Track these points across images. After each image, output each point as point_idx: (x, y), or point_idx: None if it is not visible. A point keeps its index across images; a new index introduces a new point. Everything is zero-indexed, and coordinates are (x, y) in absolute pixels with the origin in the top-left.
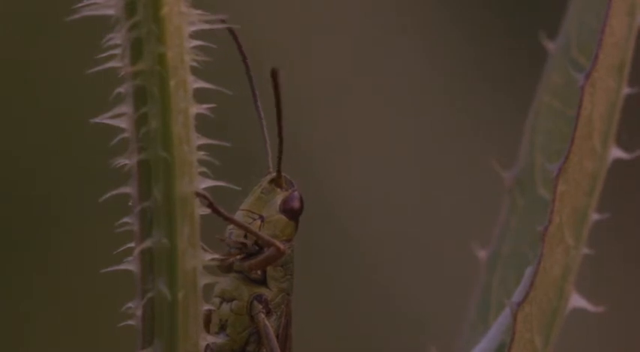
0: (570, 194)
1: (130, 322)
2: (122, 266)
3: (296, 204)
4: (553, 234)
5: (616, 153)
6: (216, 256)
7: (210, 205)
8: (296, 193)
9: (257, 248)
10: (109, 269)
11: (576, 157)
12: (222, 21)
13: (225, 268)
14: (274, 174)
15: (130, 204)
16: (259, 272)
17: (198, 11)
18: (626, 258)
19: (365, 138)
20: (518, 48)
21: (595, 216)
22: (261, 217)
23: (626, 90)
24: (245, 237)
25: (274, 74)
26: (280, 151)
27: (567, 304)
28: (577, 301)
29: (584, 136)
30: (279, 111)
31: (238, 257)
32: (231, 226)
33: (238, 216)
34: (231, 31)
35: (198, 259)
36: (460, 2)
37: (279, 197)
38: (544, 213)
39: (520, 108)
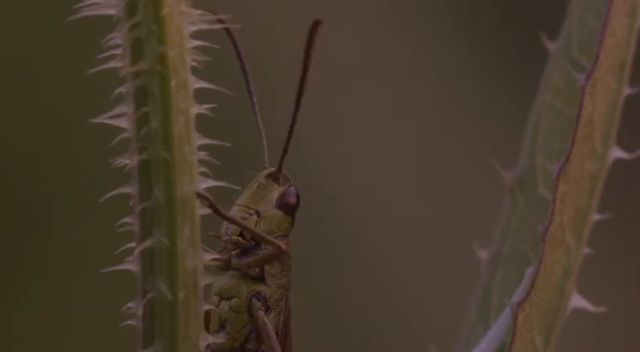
0: (571, 194)
1: (131, 322)
2: (123, 267)
3: (292, 200)
4: (554, 234)
5: (617, 153)
6: (217, 256)
7: (210, 205)
8: (292, 188)
9: (253, 243)
10: (110, 269)
11: (577, 157)
12: (221, 20)
13: (223, 266)
14: (271, 170)
15: (130, 204)
16: (257, 269)
17: (199, 11)
18: (626, 258)
19: (365, 138)
20: (519, 48)
21: (596, 216)
22: (258, 212)
23: (626, 90)
24: (241, 232)
25: (313, 29)
26: (287, 146)
27: (568, 304)
28: (578, 301)
29: (585, 136)
30: (300, 93)
31: (234, 252)
32: (227, 223)
33: (234, 210)
34: (227, 30)
35: (199, 259)
36: (460, 2)
37: (276, 192)
38: (545, 213)
39: (520, 108)
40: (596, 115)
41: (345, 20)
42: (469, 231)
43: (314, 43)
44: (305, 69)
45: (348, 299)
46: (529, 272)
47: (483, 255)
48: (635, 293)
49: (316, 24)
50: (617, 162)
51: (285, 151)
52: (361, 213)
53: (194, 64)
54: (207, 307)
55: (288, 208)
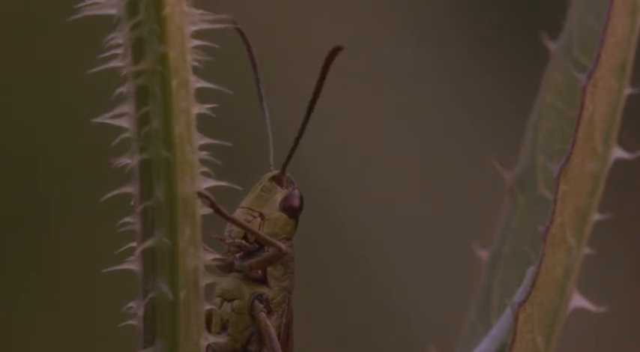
0: (572, 194)
1: (132, 322)
2: (124, 266)
3: (296, 202)
4: (555, 234)
5: (617, 153)
6: (218, 256)
7: (212, 205)
8: (296, 191)
9: (257, 246)
10: (111, 269)
11: (578, 157)
12: (233, 21)
13: (226, 267)
14: (275, 172)
15: (131, 203)
16: (260, 271)
17: (200, 11)
18: (627, 258)
19: (365, 138)
20: (519, 48)
21: (596, 216)
22: (261, 215)
23: (627, 90)
24: (245, 235)
25: (333, 53)
26: (294, 148)
27: (569, 304)
28: (579, 301)
29: (586, 136)
30: (314, 100)
31: (237, 255)
32: (230, 225)
33: (238, 213)
34: (240, 31)
35: (200, 259)
36: (460, 2)
37: (280, 195)
38: (545, 213)
39: (520, 108)
40: (597, 115)
41: (345, 20)
42: (469, 231)
43: (329, 67)
44: (317, 91)
45: (348, 299)
46: (530, 272)
47: (484, 254)
48: (635, 293)
49: (335, 50)
50: (618, 162)
51: (289, 157)
52: (361, 214)
53: (195, 63)
54: (208, 307)
55: (291, 211)
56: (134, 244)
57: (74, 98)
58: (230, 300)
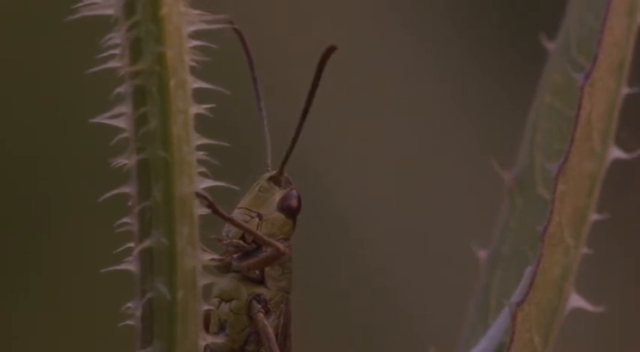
0: (570, 194)
1: (130, 322)
2: (122, 266)
3: (294, 203)
4: (553, 233)
5: (615, 153)
6: (216, 256)
7: (210, 205)
8: (294, 191)
9: (255, 246)
10: (109, 269)
11: (576, 157)
12: (230, 21)
13: (223, 268)
14: (273, 173)
15: (129, 203)
16: (257, 271)
17: (198, 11)
18: (625, 258)
19: (365, 138)
20: (518, 48)
21: (594, 216)
22: (259, 215)
23: (625, 90)
24: (243, 236)
25: (327, 52)
26: (291, 149)
27: (567, 304)
28: (576, 301)
29: (584, 136)
30: (310, 100)
31: (235, 255)
32: (228, 225)
33: (236, 213)
34: (237, 31)
35: (198, 259)
36: (460, 2)
37: (278, 195)
38: (544, 212)
39: (520, 108)
40: (594, 115)
41: (345, 20)
42: (468, 230)
43: (324, 67)
44: (312, 91)
45: (348, 299)
46: (528, 271)
47: (482, 255)
48: (633, 292)
49: (330, 50)
50: (616, 162)
51: (287, 156)
52: (361, 214)
53: (193, 63)
54: (206, 308)
55: (289, 211)
56: (132, 244)
57: (72, 98)
58: (228, 301)
